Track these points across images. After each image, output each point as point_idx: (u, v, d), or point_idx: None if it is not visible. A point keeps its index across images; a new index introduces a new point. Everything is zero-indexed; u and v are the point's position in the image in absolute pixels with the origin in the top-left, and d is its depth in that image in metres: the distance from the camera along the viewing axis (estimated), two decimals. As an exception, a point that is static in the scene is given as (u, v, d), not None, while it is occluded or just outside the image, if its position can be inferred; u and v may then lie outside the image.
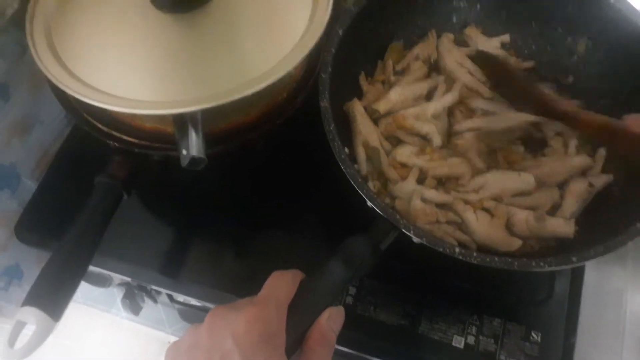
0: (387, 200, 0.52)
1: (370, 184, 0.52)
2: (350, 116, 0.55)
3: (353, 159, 0.54)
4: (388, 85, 0.59)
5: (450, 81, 0.58)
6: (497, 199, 0.52)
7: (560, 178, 0.53)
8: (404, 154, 0.54)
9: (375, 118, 0.56)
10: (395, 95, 0.56)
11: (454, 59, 0.59)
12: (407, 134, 0.55)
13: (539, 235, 0.50)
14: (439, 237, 0.47)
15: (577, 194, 0.51)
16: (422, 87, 0.57)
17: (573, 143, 0.55)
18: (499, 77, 0.56)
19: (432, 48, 0.61)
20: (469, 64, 0.59)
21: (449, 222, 0.50)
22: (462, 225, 0.50)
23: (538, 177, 0.52)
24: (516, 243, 0.49)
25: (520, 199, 0.52)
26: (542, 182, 0.52)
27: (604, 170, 0.53)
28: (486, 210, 0.51)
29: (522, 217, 0.50)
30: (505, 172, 0.53)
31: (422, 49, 0.60)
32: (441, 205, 0.51)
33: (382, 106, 0.55)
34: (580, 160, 0.53)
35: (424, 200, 0.50)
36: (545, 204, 0.52)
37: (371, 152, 0.53)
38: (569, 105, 0.52)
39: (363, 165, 0.53)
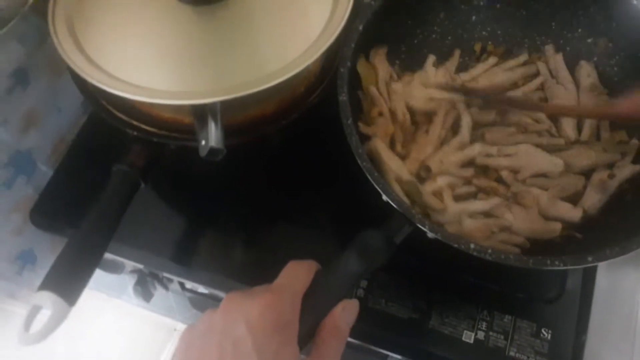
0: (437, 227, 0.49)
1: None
2: (374, 156, 0.53)
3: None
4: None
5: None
6: (516, 172, 0.53)
7: (585, 164, 0.53)
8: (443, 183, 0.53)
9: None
10: (444, 181, 0.53)
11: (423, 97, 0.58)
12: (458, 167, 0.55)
13: (546, 215, 0.51)
14: (501, 251, 0.45)
15: (597, 184, 0.52)
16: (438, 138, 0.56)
17: (587, 125, 0.56)
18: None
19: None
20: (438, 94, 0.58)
21: (501, 230, 0.50)
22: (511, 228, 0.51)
23: (564, 160, 0.53)
24: (557, 227, 0.50)
25: (543, 180, 0.53)
26: (568, 165, 0.53)
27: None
28: (517, 202, 0.52)
29: (535, 194, 0.51)
30: (538, 150, 0.54)
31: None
32: (488, 215, 0.51)
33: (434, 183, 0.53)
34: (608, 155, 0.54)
35: (472, 215, 0.50)
36: (567, 189, 0.52)
37: (408, 187, 0.52)
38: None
39: (405, 201, 0.51)
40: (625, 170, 0.52)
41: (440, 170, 0.53)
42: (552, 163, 0.53)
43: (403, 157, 0.54)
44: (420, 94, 0.58)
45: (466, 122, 0.56)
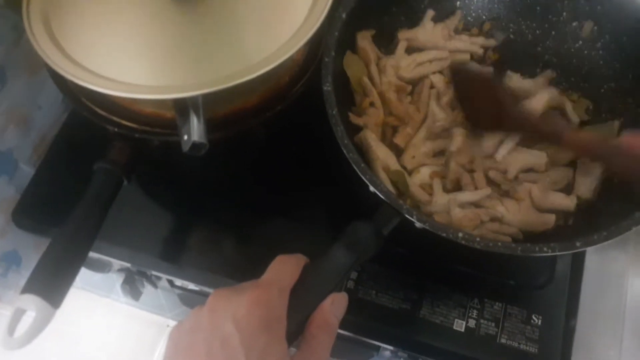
0: (425, 218, 0.47)
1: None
2: (364, 145, 0.53)
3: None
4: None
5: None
6: (504, 171, 0.52)
7: (568, 156, 0.53)
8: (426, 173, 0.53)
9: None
10: (427, 171, 0.53)
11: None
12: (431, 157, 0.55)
13: (541, 208, 0.51)
14: (490, 239, 0.45)
15: (583, 169, 0.52)
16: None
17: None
18: (471, 93, 0.53)
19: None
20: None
21: (492, 220, 0.50)
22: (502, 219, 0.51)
23: (549, 156, 0.53)
24: (550, 219, 0.50)
25: (533, 175, 0.53)
26: (553, 160, 0.53)
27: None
28: (509, 196, 0.52)
29: (526, 189, 0.51)
30: (519, 147, 0.53)
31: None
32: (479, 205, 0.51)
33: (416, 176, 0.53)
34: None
35: (461, 206, 0.50)
36: (559, 182, 0.53)
37: (395, 176, 0.52)
38: (555, 125, 0.51)
39: (391, 190, 0.50)
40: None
41: (414, 165, 0.54)
42: (535, 156, 0.53)
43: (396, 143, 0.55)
44: (405, 63, 0.58)
45: (432, 110, 0.56)
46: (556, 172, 0.53)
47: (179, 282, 0.70)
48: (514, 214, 0.50)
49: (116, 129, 0.51)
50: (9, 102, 0.62)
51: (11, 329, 0.44)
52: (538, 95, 0.56)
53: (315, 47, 0.55)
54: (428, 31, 0.60)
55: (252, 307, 0.37)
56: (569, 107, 0.56)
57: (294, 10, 0.50)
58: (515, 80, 0.58)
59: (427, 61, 0.59)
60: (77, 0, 0.52)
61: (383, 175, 0.52)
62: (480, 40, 0.61)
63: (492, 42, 0.61)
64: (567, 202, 0.51)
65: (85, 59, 0.48)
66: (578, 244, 0.41)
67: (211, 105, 0.47)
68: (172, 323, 0.99)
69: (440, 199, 0.51)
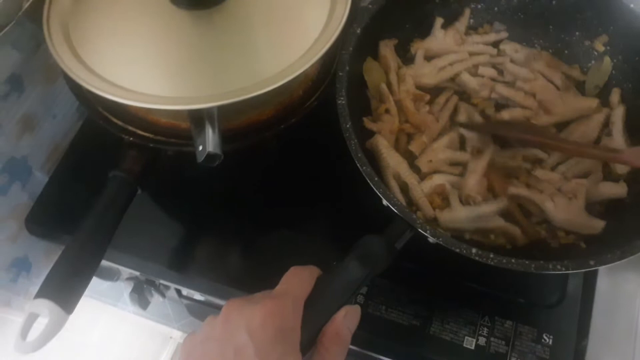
0: (439, 232, 0.46)
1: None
2: (375, 152, 0.53)
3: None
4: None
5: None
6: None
7: (594, 135, 0.55)
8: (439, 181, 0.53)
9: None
10: (440, 179, 0.53)
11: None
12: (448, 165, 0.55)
13: (593, 200, 0.51)
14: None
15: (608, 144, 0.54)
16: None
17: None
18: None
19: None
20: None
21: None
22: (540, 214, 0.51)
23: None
24: (599, 224, 0.50)
25: (573, 167, 0.53)
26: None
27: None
28: (562, 193, 0.52)
29: (580, 182, 0.52)
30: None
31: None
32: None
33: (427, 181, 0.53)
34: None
35: (479, 217, 0.50)
36: (595, 167, 0.53)
37: (404, 186, 0.52)
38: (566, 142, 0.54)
39: (400, 197, 0.51)
40: (617, 114, 0.55)
41: (429, 169, 0.54)
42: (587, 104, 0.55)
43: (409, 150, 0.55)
44: (427, 70, 0.59)
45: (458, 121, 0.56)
46: (584, 162, 0.53)
47: (187, 292, 0.70)
48: (561, 211, 0.50)
49: (131, 139, 0.51)
50: (25, 109, 0.62)
51: (24, 333, 0.44)
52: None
53: (329, 62, 0.55)
54: (439, 39, 0.61)
55: (267, 317, 0.37)
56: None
57: (310, 25, 0.51)
58: (510, 48, 0.60)
59: (448, 64, 0.59)
60: (96, 12, 0.53)
61: (394, 184, 0.52)
62: (492, 37, 0.61)
63: (503, 35, 0.61)
64: (619, 189, 0.51)
65: (103, 69, 0.48)
66: (592, 262, 0.41)
67: (226, 117, 0.48)
68: (176, 334, 0.99)
69: (460, 212, 0.50)
